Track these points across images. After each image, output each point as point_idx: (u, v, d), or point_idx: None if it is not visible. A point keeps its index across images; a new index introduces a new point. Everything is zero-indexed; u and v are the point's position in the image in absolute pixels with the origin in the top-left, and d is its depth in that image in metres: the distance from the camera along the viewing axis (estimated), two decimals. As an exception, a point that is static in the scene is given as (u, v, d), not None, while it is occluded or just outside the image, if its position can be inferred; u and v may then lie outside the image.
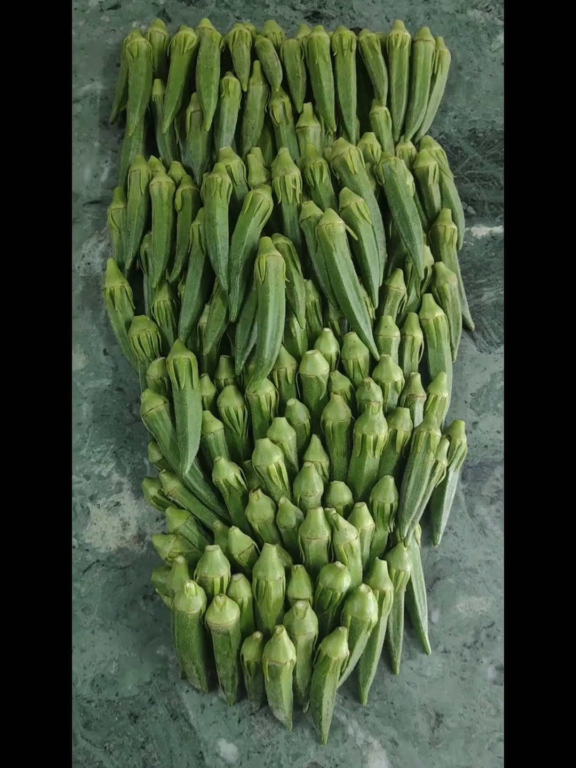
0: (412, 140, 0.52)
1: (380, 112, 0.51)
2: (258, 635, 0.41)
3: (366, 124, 0.52)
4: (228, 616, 0.40)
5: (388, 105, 0.52)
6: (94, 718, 0.42)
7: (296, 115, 0.52)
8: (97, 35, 0.55)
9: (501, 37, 0.55)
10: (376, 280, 0.47)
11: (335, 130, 0.51)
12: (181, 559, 0.42)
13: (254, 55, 0.53)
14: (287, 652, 0.39)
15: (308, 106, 0.51)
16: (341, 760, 0.41)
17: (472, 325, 0.49)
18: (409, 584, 0.44)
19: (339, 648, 0.40)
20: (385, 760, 0.41)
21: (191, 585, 0.41)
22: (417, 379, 0.45)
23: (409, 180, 0.49)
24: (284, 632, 0.40)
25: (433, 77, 0.53)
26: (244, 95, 0.52)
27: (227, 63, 0.53)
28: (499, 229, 0.51)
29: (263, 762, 0.41)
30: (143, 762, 0.41)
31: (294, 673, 0.41)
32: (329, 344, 0.45)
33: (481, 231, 0.51)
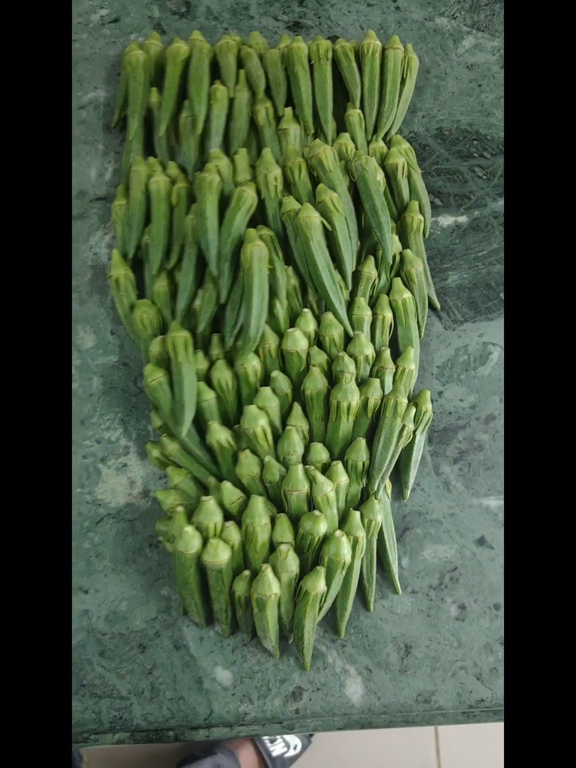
0: (384, 139, 0.53)
1: (354, 114, 0.53)
2: (247, 573, 0.43)
3: (341, 126, 0.53)
4: (221, 555, 0.42)
5: (362, 108, 0.53)
6: (108, 649, 0.45)
7: (278, 119, 0.53)
8: (99, 47, 0.56)
9: (466, 42, 0.57)
10: (349, 266, 0.48)
11: (313, 131, 0.53)
12: (180, 509, 0.44)
13: (240, 64, 0.54)
14: (272, 586, 0.42)
15: (288, 110, 0.52)
16: (322, 685, 0.44)
17: (438, 305, 0.51)
18: (381, 533, 0.46)
19: (317, 584, 0.42)
20: (360, 685, 0.44)
21: (189, 529, 0.42)
22: (387, 353, 0.48)
23: (380, 175, 0.50)
24: (269, 569, 0.42)
25: (403, 81, 0.54)
26: (231, 101, 0.53)
27: (216, 72, 0.54)
28: (463, 219, 0.53)
29: (254, 686, 0.44)
30: (151, 686, 0.44)
31: (279, 606, 0.43)
32: (308, 323, 0.47)
33: (446, 220, 0.53)
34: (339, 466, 0.45)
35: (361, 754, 1.11)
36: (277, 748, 1.02)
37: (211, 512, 0.43)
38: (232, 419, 0.47)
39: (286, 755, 1.03)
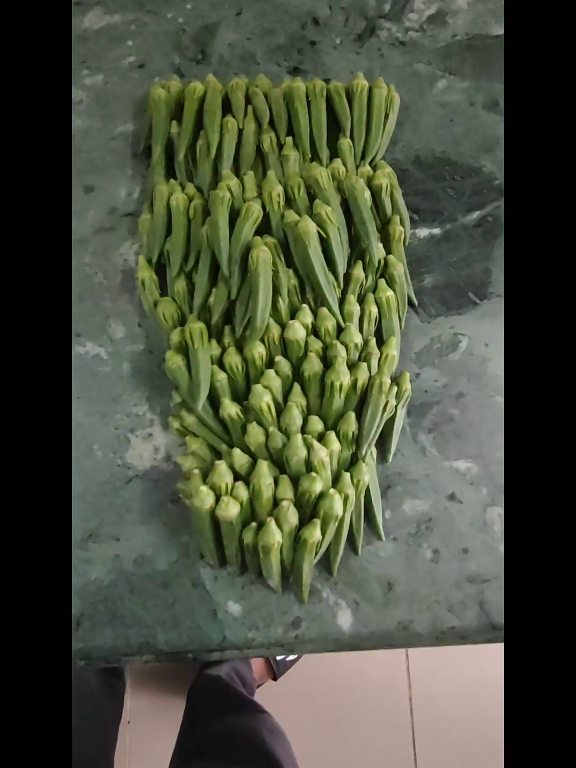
0: (370, 164, 0.56)
1: (345, 143, 0.56)
2: (254, 524, 0.45)
3: (334, 152, 0.56)
4: (231, 510, 0.44)
5: (351, 137, 0.56)
6: (136, 586, 0.47)
7: (280, 146, 0.56)
8: (128, 88, 0.60)
9: (439, 84, 0.61)
10: (341, 269, 0.51)
11: (310, 156, 0.55)
12: (197, 471, 0.46)
13: (248, 100, 0.57)
14: (275, 536, 0.44)
15: (289, 139, 0.55)
16: (317, 616, 0.47)
17: (416, 302, 0.54)
18: (368, 490, 0.48)
19: (314, 533, 0.44)
20: (349, 616, 0.47)
21: (204, 488, 0.44)
22: (373, 341, 0.50)
23: (367, 194, 0.53)
24: (273, 521, 0.44)
25: (386, 116, 0.57)
26: (240, 132, 0.56)
27: (227, 107, 0.57)
28: (437, 231, 0.56)
29: (260, 617, 0.47)
30: (173, 617, 0.47)
31: (281, 552, 0.45)
32: (306, 316, 0.49)
33: (422, 232, 0.56)
34: (332, 435, 0.46)
35: (344, 660, 1.25)
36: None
37: (223, 474, 0.45)
38: (240, 396, 0.49)
39: (287, 659, 1.18)
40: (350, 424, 0.47)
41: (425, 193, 0.58)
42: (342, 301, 0.51)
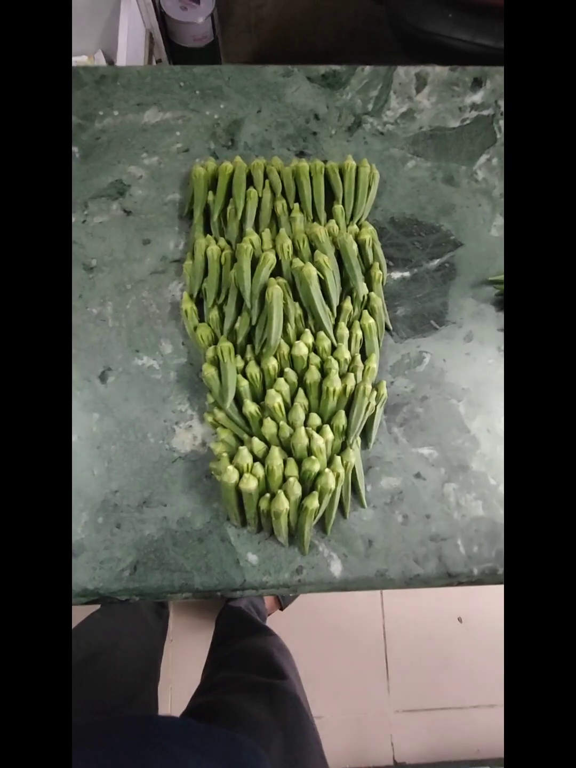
0: (357, 223, 0.56)
1: (338, 208, 0.55)
2: (268, 495, 0.44)
3: (330, 215, 0.56)
4: (251, 484, 0.43)
5: (343, 203, 0.56)
6: (179, 541, 0.46)
7: (290, 210, 0.55)
8: (175, 167, 0.60)
9: (409, 164, 0.59)
10: (335, 302, 0.50)
11: (312, 218, 0.55)
12: (225, 454, 0.45)
13: (266, 176, 0.57)
14: (284, 504, 0.43)
15: (297, 205, 0.55)
16: (315, 565, 0.46)
17: (391, 328, 0.53)
18: (354, 470, 0.47)
19: (313, 502, 0.44)
20: (339, 565, 0.46)
21: (231, 467, 0.44)
22: (358, 357, 0.49)
23: (354, 246, 0.52)
24: (282, 493, 0.43)
25: (370, 187, 0.57)
26: (259, 200, 0.56)
27: (250, 181, 0.57)
28: (407, 274, 0.55)
29: (272, 565, 0.46)
30: (206, 564, 0.46)
31: (288, 517, 0.44)
32: (308, 337, 0.48)
33: (396, 275, 0.56)
34: (327, 428, 0.46)
35: (334, 596, 1.23)
36: None
37: (245, 456, 0.45)
38: (259, 398, 0.48)
39: (290, 595, 1.11)
40: (341, 420, 0.47)
41: (398, 245, 0.57)
42: (335, 327, 0.51)
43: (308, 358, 0.49)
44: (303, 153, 0.62)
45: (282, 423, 0.47)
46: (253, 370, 0.49)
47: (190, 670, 1.04)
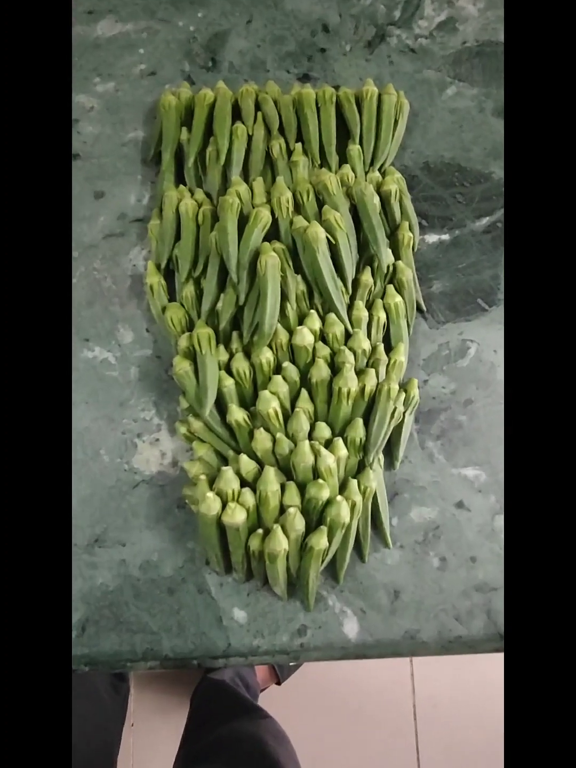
0: (379, 170, 0.56)
1: (354, 149, 0.56)
2: (260, 531, 0.45)
3: (343, 158, 0.56)
4: (238, 516, 0.44)
5: (361, 143, 0.56)
6: (142, 592, 0.47)
7: (290, 153, 0.55)
8: (139, 95, 0.60)
9: (449, 91, 0.60)
10: (350, 274, 0.50)
11: (319, 163, 0.55)
12: (203, 477, 0.46)
13: (257, 107, 0.57)
14: (282, 543, 0.43)
15: (299, 146, 0.55)
16: (323, 623, 0.46)
17: (424, 308, 0.54)
18: (375, 497, 0.47)
19: (320, 541, 0.44)
20: (356, 624, 0.47)
21: (211, 494, 0.44)
22: (381, 347, 0.50)
23: (376, 199, 0.53)
24: (280, 528, 0.44)
25: (396, 122, 0.57)
26: (249, 138, 0.56)
27: (237, 114, 0.57)
28: (446, 237, 0.56)
29: (266, 624, 0.46)
30: (178, 623, 0.46)
31: (287, 559, 0.45)
32: (314, 322, 0.49)
33: (431, 238, 0.56)
34: (340, 441, 0.46)
35: (348, 664, 1.24)
36: None
37: (229, 480, 0.45)
38: (248, 402, 0.49)
39: (291, 664, 1.14)
40: (358, 431, 0.47)
41: (434, 199, 0.58)
42: (350, 307, 0.51)
43: (314, 349, 0.49)
44: (308, 76, 0.62)
45: (279, 435, 0.47)
46: (240, 364, 0.49)
47: (157, 763, 1.04)
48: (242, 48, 0.62)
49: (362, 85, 0.59)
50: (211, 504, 0.44)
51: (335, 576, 0.48)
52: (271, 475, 0.45)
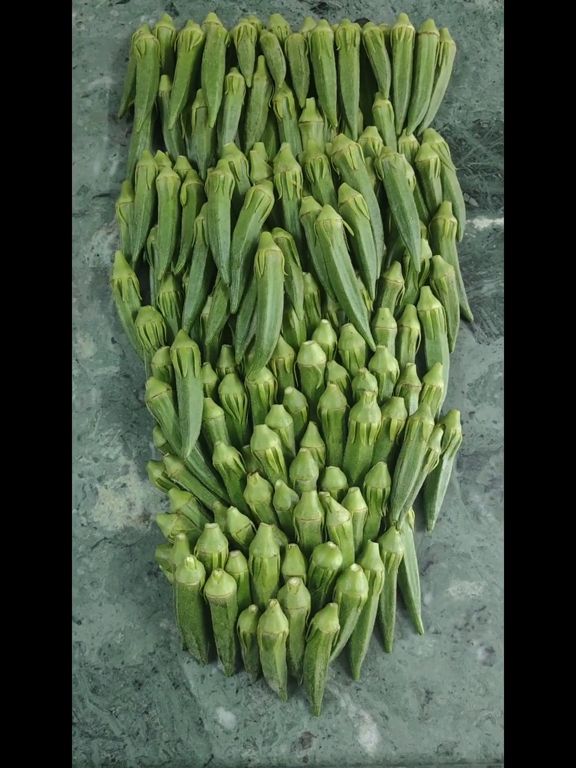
0: (415, 133, 0.55)
1: (383, 105, 0.54)
2: (253, 608, 0.44)
3: (369, 118, 0.55)
4: (225, 588, 0.43)
5: (391, 98, 0.55)
6: (101, 685, 0.46)
7: (299, 110, 0.55)
8: (107, 30, 0.59)
9: None
10: (373, 274, 0.50)
11: (337, 124, 0.54)
12: (182, 537, 0.45)
13: (259, 50, 0.56)
14: (280, 624, 0.43)
15: (311, 102, 0.54)
16: (333, 731, 0.46)
17: (471, 317, 0.53)
18: (402, 566, 0.47)
19: (330, 622, 0.43)
20: (376, 733, 0.46)
21: (191, 559, 0.44)
22: (412, 369, 0.49)
23: (410, 174, 0.52)
24: (278, 605, 0.43)
25: (437, 69, 0.56)
26: (248, 91, 0.55)
27: (232, 59, 0.56)
28: (501, 221, 0.54)
29: (259, 730, 0.45)
30: (146, 726, 0.46)
31: (287, 646, 0.44)
32: (326, 335, 0.48)
33: (483, 223, 0.55)
34: (357, 493, 0.46)
35: None
36: None
37: (215, 541, 0.44)
38: (241, 439, 0.49)
39: None
40: (380, 479, 0.47)
41: (487, 170, 0.56)
42: (373, 317, 0.51)
43: (326, 370, 0.49)
44: (324, 6, 0.61)
45: (279, 483, 0.46)
46: (231, 390, 0.48)
47: None
48: (241, -31, 0.61)
49: (396, 20, 0.57)
50: (191, 572, 0.44)
51: (349, 669, 0.47)
52: (269, 535, 0.45)
